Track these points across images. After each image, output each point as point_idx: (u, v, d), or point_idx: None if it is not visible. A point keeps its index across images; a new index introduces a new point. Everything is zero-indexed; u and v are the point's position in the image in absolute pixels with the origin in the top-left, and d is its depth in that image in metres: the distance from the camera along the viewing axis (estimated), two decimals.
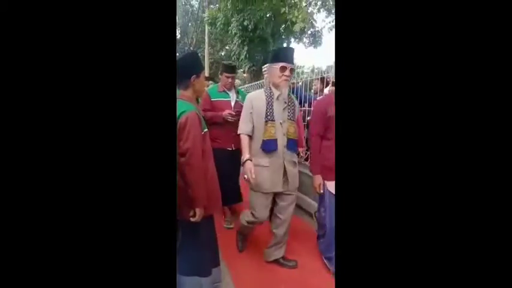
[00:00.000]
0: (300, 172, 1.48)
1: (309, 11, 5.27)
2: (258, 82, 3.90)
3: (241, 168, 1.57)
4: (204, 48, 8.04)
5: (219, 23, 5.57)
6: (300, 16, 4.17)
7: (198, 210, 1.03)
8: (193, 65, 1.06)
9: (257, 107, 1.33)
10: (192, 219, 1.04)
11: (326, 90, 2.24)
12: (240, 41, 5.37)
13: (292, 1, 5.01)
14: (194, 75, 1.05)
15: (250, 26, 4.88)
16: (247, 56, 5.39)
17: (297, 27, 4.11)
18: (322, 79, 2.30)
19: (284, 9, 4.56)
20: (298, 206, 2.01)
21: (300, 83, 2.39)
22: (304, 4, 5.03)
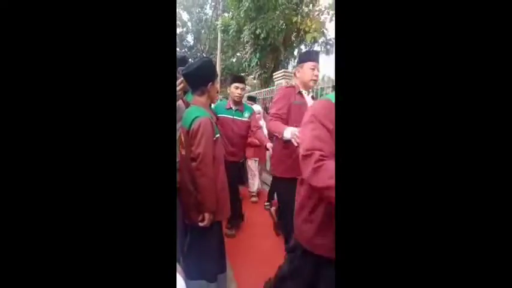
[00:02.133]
0: None
1: (321, 20, 5.31)
2: (268, 89, 3.92)
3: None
4: (216, 54, 8.21)
5: (231, 30, 5.69)
6: (313, 26, 4.21)
7: (207, 215, 1.04)
8: (210, 72, 1.09)
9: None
10: (200, 224, 1.05)
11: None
12: (252, 49, 5.46)
13: (305, 10, 5.07)
14: (210, 83, 1.08)
15: (262, 35, 4.96)
16: (258, 63, 5.46)
17: (309, 37, 4.15)
18: (333, 88, 2.30)
19: (296, 18, 4.61)
20: None
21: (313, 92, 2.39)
22: (316, 13, 5.08)
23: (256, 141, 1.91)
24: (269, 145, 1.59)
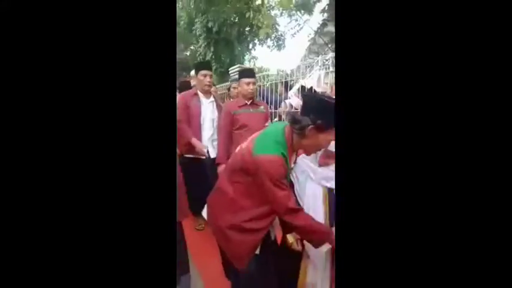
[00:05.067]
0: None
1: (272, 14, 5.44)
2: (226, 84, 3.88)
3: None
4: None
5: (182, 22, 5.39)
6: (265, 22, 4.29)
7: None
8: None
9: None
10: None
11: (291, 93, 2.34)
12: (205, 43, 5.28)
13: (255, 4, 5.11)
14: None
15: (214, 28, 4.83)
16: (213, 57, 5.33)
17: (262, 33, 4.22)
18: (285, 83, 2.40)
19: (249, 13, 4.63)
20: None
21: (267, 85, 2.46)
22: (267, 9, 5.18)
23: None
24: None
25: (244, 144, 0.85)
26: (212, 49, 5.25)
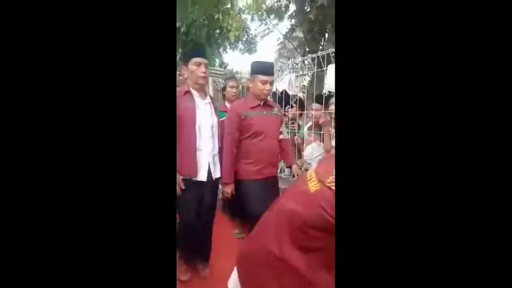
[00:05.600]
0: None
1: (242, 17, 5.45)
2: None
3: None
4: None
5: None
6: (234, 25, 4.27)
7: None
8: None
9: None
10: None
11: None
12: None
13: (225, 7, 5.08)
14: None
15: (182, 29, 4.67)
16: (182, 58, 5.14)
17: (231, 36, 4.19)
18: None
19: (218, 15, 4.57)
20: None
21: (240, 88, 2.43)
22: (237, 13, 5.18)
23: None
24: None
25: (313, 177, 0.54)
26: (180, 50, 5.06)
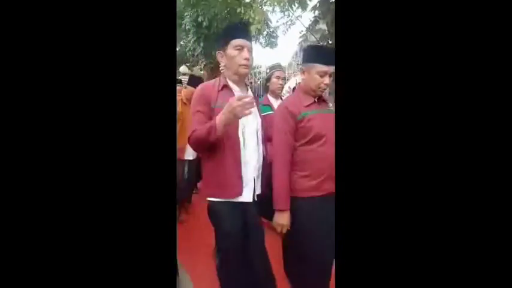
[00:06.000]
0: None
1: (264, 9, 5.38)
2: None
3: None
4: None
5: None
6: (256, 18, 4.22)
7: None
8: None
9: None
10: None
11: (284, 92, 2.32)
12: (195, 38, 5.16)
13: (247, 0, 5.03)
14: None
15: (204, 23, 4.72)
16: (203, 52, 5.22)
17: (253, 29, 4.15)
18: None
19: (240, 9, 4.55)
20: None
21: (259, 82, 2.43)
22: (258, 5, 5.12)
23: None
24: None
25: None
26: (202, 44, 5.14)
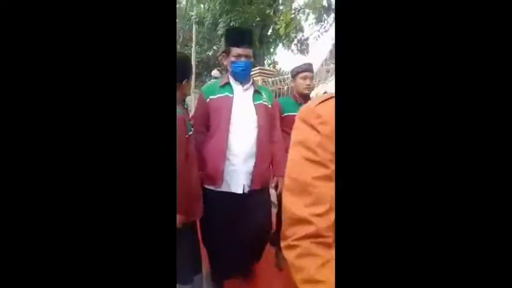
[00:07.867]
0: None
1: (297, 17, 5.39)
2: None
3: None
4: (191, 46, 7.89)
5: (207, 22, 5.52)
6: (285, 21, 4.26)
7: (178, 217, 1.01)
8: (186, 69, 1.06)
9: None
10: None
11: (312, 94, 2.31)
12: None
13: (280, 7, 5.11)
14: (186, 79, 1.05)
15: None
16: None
17: (281, 31, 4.19)
18: None
19: (269, 11, 4.63)
20: None
21: (285, 88, 2.44)
22: (292, 12, 5.15)
23: None
24: None
25: None
26: None
